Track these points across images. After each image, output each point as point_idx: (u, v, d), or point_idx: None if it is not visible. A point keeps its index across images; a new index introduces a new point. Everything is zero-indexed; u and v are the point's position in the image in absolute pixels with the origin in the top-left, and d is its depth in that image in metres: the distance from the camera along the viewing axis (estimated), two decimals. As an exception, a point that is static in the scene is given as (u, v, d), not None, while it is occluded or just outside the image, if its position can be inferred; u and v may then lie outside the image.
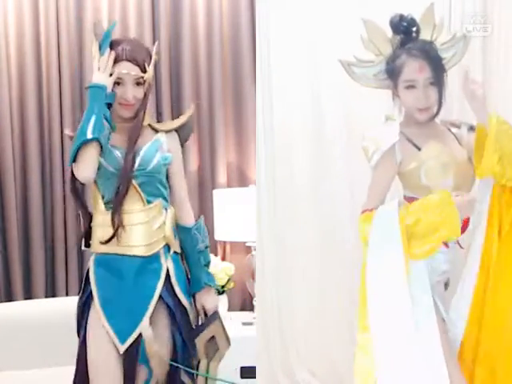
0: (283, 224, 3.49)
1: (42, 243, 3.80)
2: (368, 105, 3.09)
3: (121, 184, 2.35)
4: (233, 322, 3.64)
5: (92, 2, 3.82)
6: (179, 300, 2.43)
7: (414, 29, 2.20)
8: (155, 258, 2.42)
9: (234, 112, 3.94)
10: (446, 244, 2.23)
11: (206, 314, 2.49)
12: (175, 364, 2.35)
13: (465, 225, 2.28)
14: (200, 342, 2.36)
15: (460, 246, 2.30)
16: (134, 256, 2.38)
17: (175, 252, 2.48)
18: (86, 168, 2.28)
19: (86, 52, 3.76)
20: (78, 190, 2.43)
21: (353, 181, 3.30)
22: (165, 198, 2.47)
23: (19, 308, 3.52)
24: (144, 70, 2.39)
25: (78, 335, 2.44)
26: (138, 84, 2.39)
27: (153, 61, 2.44)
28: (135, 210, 2.38)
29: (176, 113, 3.80)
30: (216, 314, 2.46)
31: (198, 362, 2.39)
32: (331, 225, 3.41)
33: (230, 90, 3.93)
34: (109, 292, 2.37)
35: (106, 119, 2.31)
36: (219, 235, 3.72)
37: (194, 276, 2.51)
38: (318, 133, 3.42)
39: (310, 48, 3.36)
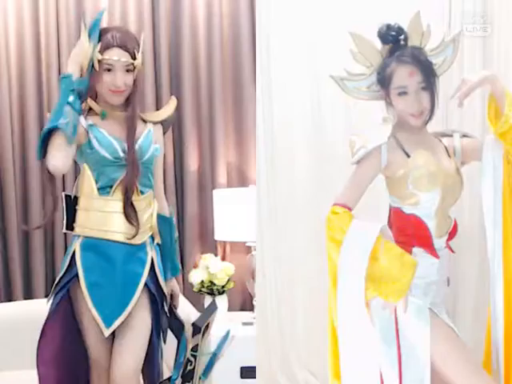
0: (283, 224, 3.49)
1: (42, 243, 3.80)
2: (368, 105, 3.09)
3: (130, 176, 2.40)
4: (233, 322, 3.65)
5: (92, 2, 3.82)
6: (161, 288, 2.54)
7: (402, 37, 2.19)
8: (142, 246, 2.48)
9: (234, 112, 3.94)
10: (435, 255, 2.21)
11: (171, 298, 2.65)
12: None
13: (454, 229, 2.27)
14: (203, 327, 2.51)
15: (451, 250, 2.29)
16: (124, 243, 2.43)
17: (157, 243, 2.58)
18: (53, 159, 2.30)
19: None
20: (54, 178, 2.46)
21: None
22: (153, 189, 2.55)
23: (19, 308, 3.52)
24: (134, 57, 2.43)
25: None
26: (127, 71, 2.42)
27: (141, 49, 2.48)
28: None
29: (176, 113, 3.80)
30: (215, 304, 2.67)
31: (196, 345, 2.52)
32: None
33: (229, 90, 3.93)
34: (96, 276, 2.40)
35: (71, 105, 2.32)
36: (219, 235, 3.72)
37: (169, 264, 2.63)
38: (318, 133, 3.42)
39: (310, 48, 3.36)
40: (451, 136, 2.34)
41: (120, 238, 2.42)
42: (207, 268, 3.65)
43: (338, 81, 2.29)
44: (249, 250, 3.72)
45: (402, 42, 2.19)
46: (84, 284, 2.39)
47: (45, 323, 2.47)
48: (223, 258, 3.88)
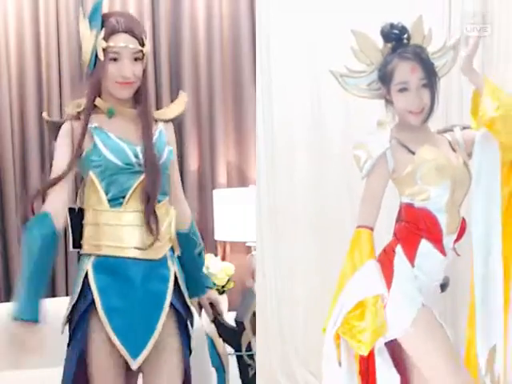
0: (283, 224, 3.49)
1: (42, 243, 3.80)
2: (368, 104, 3.08)
3: (152, 182, 2.11)
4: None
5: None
6: (187, 305, 2.25)
7: (405, 36, 2.19)
8: (163, 261, 2.19)
9: (234, 112, 3.94)
10: (443, 252, 2.22)
11: (212, 307, 2.41)
12: (240, 353, 2.30)
13: (462, 229, 2.27)
14: (247, 321, 2.36)
15: (456, 253, 2.29)
16: (142, 259, 2.14)
17: (177, 255, 2.28)
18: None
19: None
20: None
21: (353, 180, 3.30)
22: (169, 196, 2.26)
23: (19, 308, 3.51)
24: (142, 43, 2.15)
25: (69, 345, 2.16)
26: (136, 59, 2.13)
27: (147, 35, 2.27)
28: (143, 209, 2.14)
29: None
30: (252, 291, 2.41)
31: (249, 344, 2.35)
32: (331, 225, 3.41)
33: (229, 90, 3.94)
34: (114, 300, 2.11)
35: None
36: (219, 235, 3.73)
37: (196, 280, 2.35)
38: (317, 132, 3.42)
39: (310, 48, 3.36)
40: (452, 130, 2.34)
41: (137, 254, 2.12)
42: (207, 268, 3.65)
43: (337, 77, 2.26)
44: (249, 250, 3.72)
45: (404, 41, 2.19)
46: (101, 310, 2.08)
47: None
48: (223, 258, 3.88)
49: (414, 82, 2.15)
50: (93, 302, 2.10)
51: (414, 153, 2.18)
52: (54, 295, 3.78)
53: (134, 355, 2.09)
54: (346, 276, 2.14)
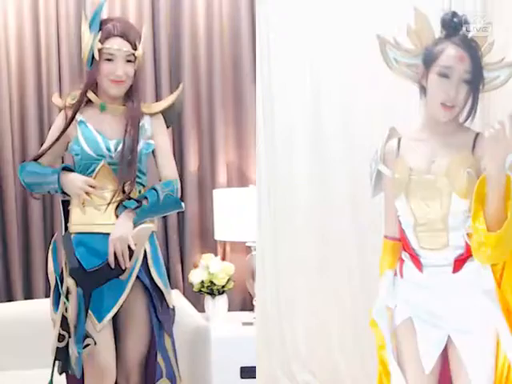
0: (283, 224, 3.49)
1: (42, 243, 3.80)
2: (369, 104, 3.09)
3: (125, 176, 2.38)
4: (233, 322, 3.65)
5: (92, 3, 3.81)
6: (155, 282, 2.46)
7: (464, 29, 2.08)
8: None
9: (234, 112, 3.94)
10: None
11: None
12: None
13: None
14: None
15: None
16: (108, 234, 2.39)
17: (152, 232, 2.49)
18: None
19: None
20: None
21: (353, 180, 3.31)
22: (142, 184, 2.49)
23: (19, 308, 3.51)
24: (135, 47, 2.43)
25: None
26: (128, 61, 2.42)
27: (142, 39, 2.47)
28: (109, 190, 2.42)
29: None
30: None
31: None
32: (331, 225, 3.41)
33: (230, 90, 3.93)
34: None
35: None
36: (219, 235, 3.73)
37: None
38: (318, 132, 3.43)
39: (309, 48, 3.37)
40: None
41: (109, 229, 2.38)
42: (207, 268, 3.65)
43: (381, 43, 2.15)
44: (249, 250, 3.72)
45: (461, 32, 2.07)
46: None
47: None
48: (223, 258, 3.88)
49: (458, 72, 2.02)
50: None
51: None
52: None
53: (99, 319, 2.39)
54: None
